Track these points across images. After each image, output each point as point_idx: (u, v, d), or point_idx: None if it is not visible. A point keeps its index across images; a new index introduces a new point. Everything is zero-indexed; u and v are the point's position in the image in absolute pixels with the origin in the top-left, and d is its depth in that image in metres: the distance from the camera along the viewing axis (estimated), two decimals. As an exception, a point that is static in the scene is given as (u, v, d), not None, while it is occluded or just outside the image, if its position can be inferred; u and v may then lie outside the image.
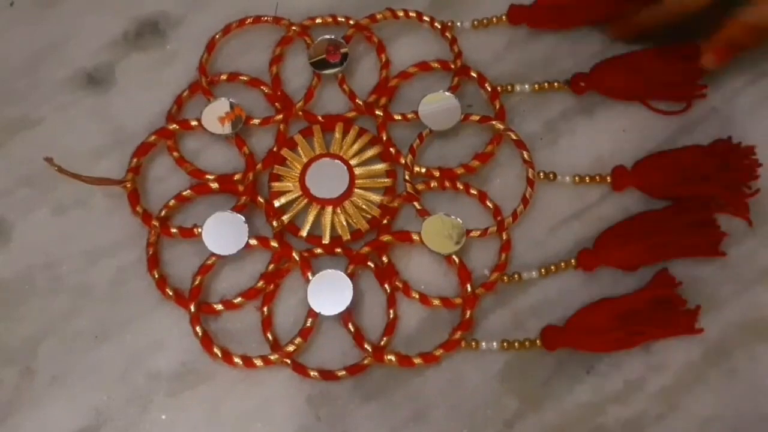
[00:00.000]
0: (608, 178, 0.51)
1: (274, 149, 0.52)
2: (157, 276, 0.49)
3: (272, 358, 0.47)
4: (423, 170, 0.51)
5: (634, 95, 0.53)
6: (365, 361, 0.47)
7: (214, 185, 0.51)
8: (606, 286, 0.49)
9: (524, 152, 0.52)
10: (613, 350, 0.47)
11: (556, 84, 0.53)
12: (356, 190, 0.51)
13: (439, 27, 0.55)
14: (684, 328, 0.47)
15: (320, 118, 0.53)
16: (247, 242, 0.49)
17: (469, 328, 0.48)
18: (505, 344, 0.47)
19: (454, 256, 0.49)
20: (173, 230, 0.50)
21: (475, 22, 0.55)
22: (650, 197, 0.51)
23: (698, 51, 0.52)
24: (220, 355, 0.47)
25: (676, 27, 0.52)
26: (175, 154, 0.52)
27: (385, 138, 0.52)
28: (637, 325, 0.47)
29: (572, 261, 0.49)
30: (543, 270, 0.49)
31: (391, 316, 0.48)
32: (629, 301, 0.47)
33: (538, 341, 0.47)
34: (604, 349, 0.47)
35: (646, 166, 0.51)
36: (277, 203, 0.51)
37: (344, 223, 0.50)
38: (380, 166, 0.52)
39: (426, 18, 0.55)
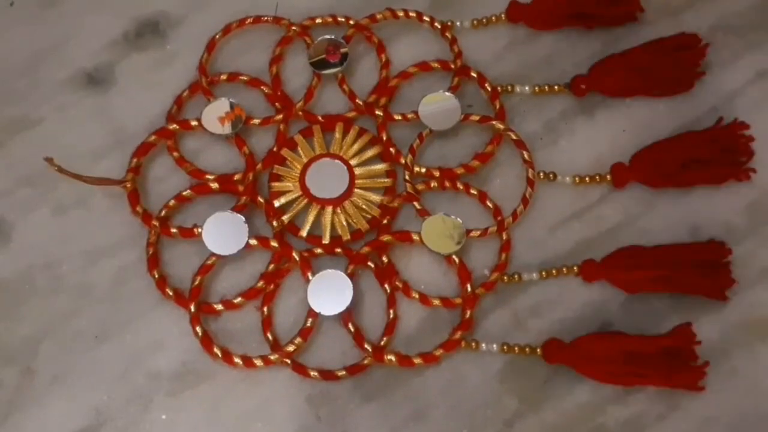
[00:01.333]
0: (608, 177, 0.51)
1: (274, 149, 0.52)
2: (157, 276, 0.49)
3: (272, 358, 0.47)
4: (423, 170, 0.51)
5: (635, 92, 0.53)
6: (365, 361, 0.47)
7: (214, 185, 0.51)
8: (607, 290, 0.49)
9: (524, 152, 0.52)
10: (609, 383, 0.46)
11: (556, 87, 0.53)
12: (356, 190, 0.51)
13: (439, 27, 0.55)
14: (687, 383, 0.46)
15: (320, 118, 0.53)
16: (247, 242, 0.49)
17: (469, 328, 0.48)
18: (505, 347, 0.47)
19: (454, 256, 0.49)
20: (173, 230, 0.50)
21: (475, 22, 0.55)
22: (652, 188, 0.51)
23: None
24: (220, 355, 0.47)
25: None
26: (175, 154, 0.52)
27: (385, 138, 0.52)
28: (642, 368, 0.46)
29: (574, 268, 0.49)
30: (543, 273, 0.49)
31: (391, 316, 0.48)
32: (642, 342, 0.46)
33: (538, 350, 0.47)
34: (600, 378, 0.46)
35: (644, 158, 0.51)
36: (277, 203, 0.51)
37: (344, 223, 0.50)
38: (380, 166, 0.52)
39: (426, 18, 0.55)
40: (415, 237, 0.49)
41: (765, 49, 0.55)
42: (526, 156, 0.52)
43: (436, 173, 0.51)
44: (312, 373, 0.47)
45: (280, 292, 0.49)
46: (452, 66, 0.54)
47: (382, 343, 0.48)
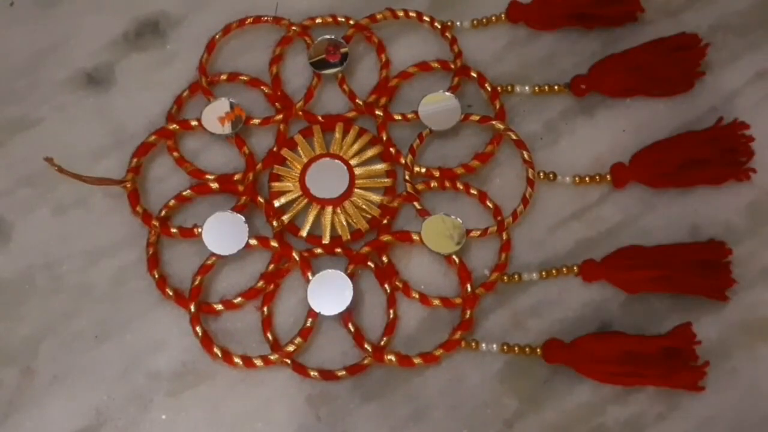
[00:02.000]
0: (608, 177, 0.51)
1: (274, 149, 0.52)
2: (157, 276, 0.49)
3: (272, 358, 0.47)
4: (423, 170, 0.51)
5: (635, 92, 0.53)
6: (365, 361, 0.47)
7: (214, 185, 0.51)
8: (607, 290, 0.49)
9: (524, 152, 0.52)
10: (609, 383, 0.46)
11: (556, 87, 0.53)
12: (356, 190, 0.51)
13: (439, 27, 0.55)
14: (687, 383, 0.46)
15: (320, 118, 0.53)
16: (247, 242, 0.49)
17: (469, 328, 0.48)
18: (505, 347, 0.47)
19: (454, 256, 0.49)
20: (173, 230, 0.50)
21: (475, 22, 0.55)
22: (652, 188, 0.51)
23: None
24: (220, 355, 0.47)
25: None
26: (175, 154, 0.52)
27: (385, 138, 0.52)
28: (642, 368, 0.46)
29: (574, 268, 0.49)
30: (543, 273, 0.49)
31: (391, 316, 0.48)
32: (642, 342, 0.46)
33: (538, 350, 0.47)
34: (600, 378, 0.46)
35: (644, 158, 0.51)
36: (277, 203, 0.51)
37: (344, 223, 0.50)
38: (380, 166, 0.52)
39: (426, 18, 0.55)
40: (415, 237, 0.49)
41: (765, 49, 0.55)
42: (526, 156, 0.52)
43: (436, 173, 0.51)
44: (312, 373, 0.47)
45: (280, 292, 0.49)
46: (452, 66, 0.54)
47: (382, 343, 0.48)
